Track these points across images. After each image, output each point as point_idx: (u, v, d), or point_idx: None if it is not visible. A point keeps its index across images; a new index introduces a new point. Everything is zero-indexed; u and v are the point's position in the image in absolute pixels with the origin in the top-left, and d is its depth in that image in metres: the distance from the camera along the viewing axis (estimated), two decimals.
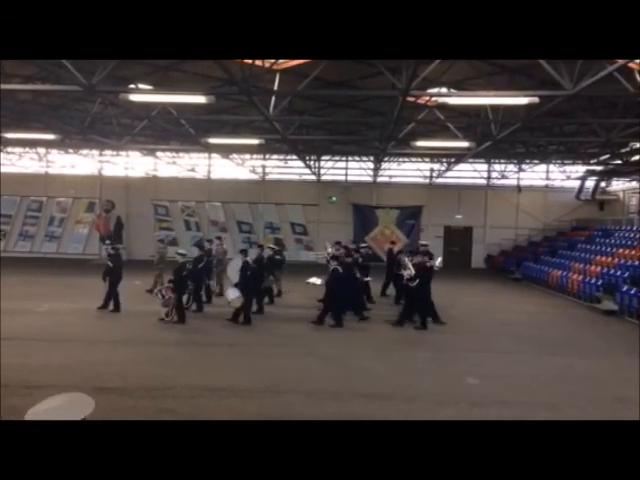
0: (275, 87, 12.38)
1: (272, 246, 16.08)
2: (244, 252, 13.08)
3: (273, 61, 12.13)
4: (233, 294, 12.52)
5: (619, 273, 16.62)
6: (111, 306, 13.23)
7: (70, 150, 25.44)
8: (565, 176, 27.38)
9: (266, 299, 14.53)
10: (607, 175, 25.25)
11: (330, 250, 14.74)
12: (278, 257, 15.88)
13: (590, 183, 26.73)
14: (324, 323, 12.31)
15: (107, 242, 14.72)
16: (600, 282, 16.76)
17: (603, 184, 26.73)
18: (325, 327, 12.19)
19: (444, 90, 14.51)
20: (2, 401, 6.62)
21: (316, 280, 13.76)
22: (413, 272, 12.35)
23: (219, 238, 17.61)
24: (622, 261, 17.56)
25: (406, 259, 13.25)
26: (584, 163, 23.46)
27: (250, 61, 10.46)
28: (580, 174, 26.38)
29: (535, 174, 28.36)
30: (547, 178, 28.45)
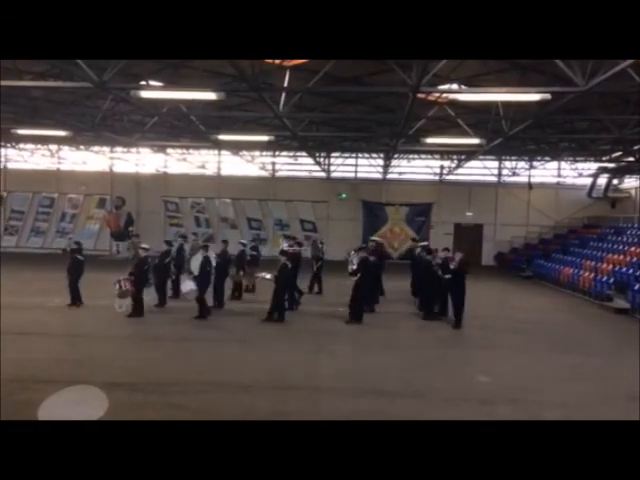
0: (285, 84, 12.38)
1: (243, 241, 16.03)
2: (205, 247, 13.06)
3: None
4: (187, 287, 12.78)
5: (631, 271, 16.47)
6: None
7: (81, 147, 25.68)
8: (577, 173, 27.19)
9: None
10: (619, 172, 25.05)
11: (285, 245, 14.65)
12: (253, 253, 15.80)
13: (602, 180, 26.54)
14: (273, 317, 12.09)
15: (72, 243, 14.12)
16: (612, 280, 16.62)
17: (615, 181, 26.50)
18: (271, 323, 11.93)
19: (455, 87, 14.45)
20: (14, 396, 6.69)
21: (266, 275, 13.67)
22: (355, 267, 12.65)
23: (195, 234, 19.13)
24: (634, 259, 17.39)
25: (353, 254, 13.46)
26: (596, 160, 23.25)
27: None
28: (592, 171, 26.16)
29: (546, 171, 28.20)
30: (558, 175, 28.28)
